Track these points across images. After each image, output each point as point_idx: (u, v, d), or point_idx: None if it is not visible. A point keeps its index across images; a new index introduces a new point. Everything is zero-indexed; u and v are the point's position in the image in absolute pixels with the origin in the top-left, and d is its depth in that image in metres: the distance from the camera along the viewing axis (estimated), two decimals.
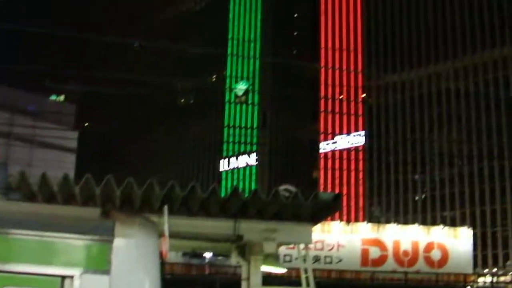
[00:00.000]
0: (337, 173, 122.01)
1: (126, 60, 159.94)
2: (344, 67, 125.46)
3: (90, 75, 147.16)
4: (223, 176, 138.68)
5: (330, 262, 61.21)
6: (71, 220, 7.15)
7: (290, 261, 47.44)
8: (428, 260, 62.26)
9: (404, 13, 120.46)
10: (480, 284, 69.94)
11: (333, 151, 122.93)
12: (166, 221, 7.80)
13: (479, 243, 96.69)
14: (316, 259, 58.15)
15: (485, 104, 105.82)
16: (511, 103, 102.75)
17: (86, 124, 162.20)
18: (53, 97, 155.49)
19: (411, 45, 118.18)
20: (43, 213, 8.37)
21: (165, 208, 8.50)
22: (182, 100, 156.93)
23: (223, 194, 13.36)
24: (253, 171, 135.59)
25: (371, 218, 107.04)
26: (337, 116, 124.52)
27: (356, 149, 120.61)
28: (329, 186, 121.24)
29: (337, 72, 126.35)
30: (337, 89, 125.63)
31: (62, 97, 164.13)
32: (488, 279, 74.80)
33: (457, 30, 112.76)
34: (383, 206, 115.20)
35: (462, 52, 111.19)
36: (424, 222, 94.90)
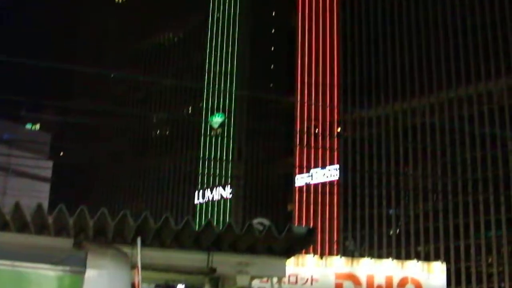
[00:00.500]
0: (312, 207, 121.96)
1: (101, 90, 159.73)
2: (320, 101, 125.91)
3: (66, 105, 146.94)
4: (198, 208, 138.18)
5: None
6: (43, 250, 7.13)
7: None
8: None
9: (381, 48, 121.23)
10: None
11: (308, 185, 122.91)
12: (139, 253, 7.81)
13: (453, 278, 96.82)
14: None
15: (460, 139, 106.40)
16: (485, 138, 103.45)
17: (61, 153, 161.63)
18: (28, 126, 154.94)
19: (387, 80, 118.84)
20: (16, 243, 8.34)
21: (138, 239, 8.50)
22: (158, 132, 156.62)
23: (197, 227, 13.36)
24: (228, 204, 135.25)
25: (346, 252, 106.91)
26: (312, 150, 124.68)
27: (331, 182, 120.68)
28: (304, 219, 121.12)
29: (313, 105, 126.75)
30: (313, 123, 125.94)
31: (37, 126, 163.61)
32: None
33: (433, 65, 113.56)
34: (357, 240, 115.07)
35: (438, 87, 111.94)
36: (398, 257, 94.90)
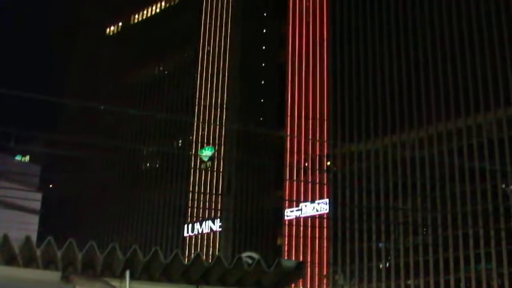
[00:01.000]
0: (301, 240, 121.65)
1: (92, 122, 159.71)
2: (310, 135, 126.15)
3: (56, 137, 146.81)
4: (187, 241, 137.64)
5: None
6: (31, 283, 7.12)
7: None
8: None
9: (370, 83, 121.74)
10: None
11: (297, 218, 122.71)
12: (127, 286, 7.80)
13: None
14: None
15: (450, 173, 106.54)
16: (474, 172, 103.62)
17: (51, 185, 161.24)
18: (18, 157, 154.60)
19: (377, 114, 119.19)
20: (3, 275, 8.31)
21: (127, 273, 8.49)
22: (148, 164, 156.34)
23: (186, 260, 13.33)
24: (217, 237, 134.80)
25: (335, 286, 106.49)
26: (302, 184, 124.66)
27: (321, 216, 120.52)
28: (294, 253, 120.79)
29: (302, 139, 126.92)
30: (303, 157, 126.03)
31: (27, 158, 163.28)
32: None
33: (422, 99, 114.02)
34: (347, 274, 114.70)
35: (427, 121, 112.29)
36: None
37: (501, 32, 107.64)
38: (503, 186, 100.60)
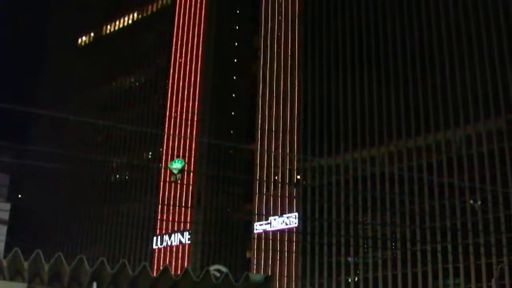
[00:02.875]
0: (270, 254, 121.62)
1: (62, 133, 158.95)
2: (280, 149, 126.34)
3: (26, 147, 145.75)
4: (156, 254, 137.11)
5: None
6: None
7: None
8: None
9: (341, 98, 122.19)
10: None
11: (266, 232, 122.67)
12: None
13: None
14: None
15: (419, 188, 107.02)
16: (443, 187, 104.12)
17: (19, 196, 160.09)
18: None
19: (347, 129, 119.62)
20: None
21: (94, 285, 8.44)
22: (117, 176, 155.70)
23: (154, 273, 13.27)
24: (186, 250, 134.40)
25: None
26: (271, 197, 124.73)
27: (290, 230, 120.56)
28: (263, 266, 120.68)
29: (272, 153, 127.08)
30: (272, 170, 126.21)
31: None
32: None
33: (392, 114, 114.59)
34: None
35: (397, 136, 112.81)
36: None
37: (470, 48, 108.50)
38: (471, 201, 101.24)
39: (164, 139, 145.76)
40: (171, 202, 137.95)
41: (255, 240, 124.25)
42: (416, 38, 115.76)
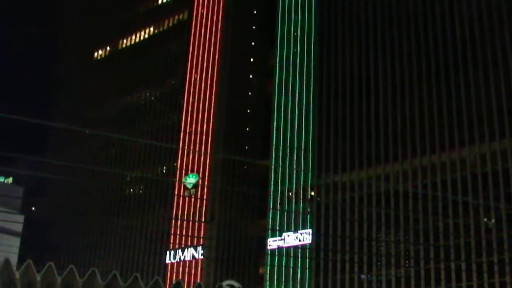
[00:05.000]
0: (283, 270, 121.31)
1: (77, 146, 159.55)
2: (294, 165, 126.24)
3: (40, 160, 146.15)
4: (169, 268, 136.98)
5: None
6: None
7: None
8: None
9: (355, 114, 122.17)
10: None
11: (280, 248, 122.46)
12: None
13: None
14: None
15: (433, 206, 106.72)
16: (457, 205, 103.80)
17: (33, 208, 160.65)
18: (1, 179, 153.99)
19: (361, 146, 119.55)
20: None
21: None
22: (131, 190, 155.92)
23: (167, 287, 13.21)
24: (199, 265, 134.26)
25: None
26: (285, 213, 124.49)
27: (304, 246, 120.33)
28: (276, 283, 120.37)
29: (287, 169, 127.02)
30: (287, 187, 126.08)
31: (10, 180, 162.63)
32: None
33: (407, 132, 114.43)
34: None
35: (412, 154, 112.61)
36: None
37: (486, 67, 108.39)
38: (486, 220, 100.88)
39: (178, 153, 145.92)
40: (185, 216, 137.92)
41: (269, 256, 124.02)
42: (432, 56, 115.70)
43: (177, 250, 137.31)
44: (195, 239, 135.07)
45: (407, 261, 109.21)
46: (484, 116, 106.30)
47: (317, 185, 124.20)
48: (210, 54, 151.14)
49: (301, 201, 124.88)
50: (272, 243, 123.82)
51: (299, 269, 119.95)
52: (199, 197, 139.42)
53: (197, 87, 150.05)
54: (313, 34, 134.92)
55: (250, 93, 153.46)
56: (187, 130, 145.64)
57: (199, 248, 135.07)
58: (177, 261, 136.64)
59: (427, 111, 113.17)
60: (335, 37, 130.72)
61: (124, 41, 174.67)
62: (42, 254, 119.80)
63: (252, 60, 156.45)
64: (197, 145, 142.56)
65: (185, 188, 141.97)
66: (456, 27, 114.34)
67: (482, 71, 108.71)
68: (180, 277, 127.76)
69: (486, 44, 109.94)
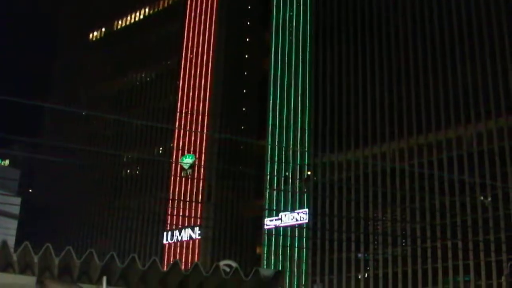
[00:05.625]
0: (280, 250, 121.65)
1: (73, 128, 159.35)
2: (291, 144, 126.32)
3: (37, 141, 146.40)
4: (166, 249, 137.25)
5: None
6: (7, 287, 7.05)
7: None
8: None
9: (352, 93, 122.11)
10: None
11: (277, 228, 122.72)
12: None
13: None
14: None
15: (429, 184, 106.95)
16: (454, 184, 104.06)
17: (30, 190, 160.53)
18: None
19: (357, 125, 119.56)
20: None
21: (104, 279, 8.43)
22: (128, 171, 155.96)
23: (165, 267, 13.26)
24: (196, 245, 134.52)
25: None
26: (282, 193, 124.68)
27: (300, 226, 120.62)
28: (273, 262, 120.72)
29: (283, 149, 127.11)
30: (283, 166, 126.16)
31: (7, 162, 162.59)
32: None
33: (403, 111, 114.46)
34: (325, 284, 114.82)
35: (408, 133, 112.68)
36: None
37: (482, 44, 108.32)
38: (482, 198, 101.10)
39: (175, 134, 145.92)
40: (182, 197, 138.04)
41: (265, 236, 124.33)
42: (428, 36, 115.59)
43: (174, 231, 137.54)
44: (192, 219, 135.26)
45: (403, 240, 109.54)
46: (480, 94, 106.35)
47: (314, 164, 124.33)
48: (205, 34, 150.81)
49: (298, 180, 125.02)
50: (269, 222, 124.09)
51: (296, 249, 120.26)
52: (195, 177, 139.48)
53: (193, 68, 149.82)
54: (308, 12, 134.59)
55: (246, 73, 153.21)
56: (183, 111, 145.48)
57: (196, 228, 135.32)
58: (174, 242, 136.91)
59: (423, 90, 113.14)
60: (330, 15, 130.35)
61: (120, 22, 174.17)
62: (39, 236, 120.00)
63: (247, 39, 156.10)
64: (193, 126, 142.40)
65: (182, 168, 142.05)
66: (453, 8, 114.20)
67: (479, 50, 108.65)
68: (178, 257, 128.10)
69: (483, 25, 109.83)
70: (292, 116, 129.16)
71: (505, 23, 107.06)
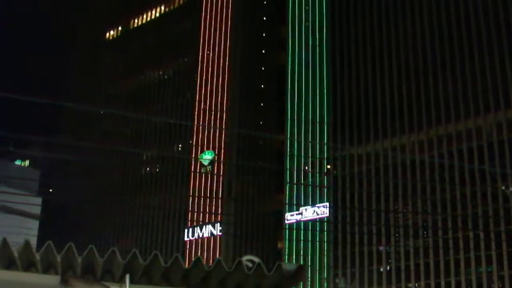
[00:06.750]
0: (302, 244, 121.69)
1: (91, 127, 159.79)
2: (310, 138, 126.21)
3: (56, 142, 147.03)
4: (188, 246, 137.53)
5: None
6: (31, 287, 7.05)
7: None
8: None
9: (370, 86, 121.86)
10: None
11: (298, 222, 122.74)
12: None
13: None
14: None
15: (450, 175, 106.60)
16: (474, 175, 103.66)
17: (50, 190, 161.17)
18: (18, 162, 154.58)
19: (377, 117, 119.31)
20: (2, 280, 8.25)
21: (127, 277, 8.42)
22: (147, 169, 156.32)
23: (186, 264, 13.25)
24: (218, 241, 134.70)
25: None
26: (302, 187, 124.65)
27: (321, 220, 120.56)
28: (294, 256, 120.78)
29: (302, 143, 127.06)
30: (303, 160, 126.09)
31: (27, 163, 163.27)
32: None
33: (422, 103, 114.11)
34: (347, 278, 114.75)
35: (427, 124, 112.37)
36: None
37: (500, 35, 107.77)
38: (503, 188, 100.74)
39: (193, 131, 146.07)
40: (202, 194, 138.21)
41: (287, 231, 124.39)
42: (445, 27, 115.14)
43: (195, 227, 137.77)
44: (213, 215, 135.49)
45: (425, 232, 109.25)
46: (499, 83, 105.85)
47: (334, 158, 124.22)
48: (222, 30, 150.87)
49: (318, 174, 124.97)
50: (290, 217, 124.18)
51: (317, 243, 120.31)
52: (215, 173, 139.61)
53: (210, 64, 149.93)
54: (324, 6, 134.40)
55: (263, 68, 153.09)
56: (202, 107, 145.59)
57: (217, 224, 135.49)
58: (195, 238, 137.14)
59: (441, 81, 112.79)
60: (347, 9, 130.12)
61: (136, 20, 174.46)
62: (61, 235, 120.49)
63: (264, 34, 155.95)
64: (212, 122, 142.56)
65: (202, 165, 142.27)
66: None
67: (496, 41, 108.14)
68: (199, 254, 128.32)
69: (500, 17, 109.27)
70: (310, 109, 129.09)
71: None
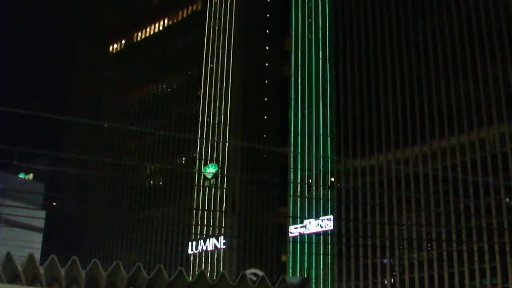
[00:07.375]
0: (306, 257, 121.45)
1: (95, 141, 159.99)
2: (313, 151, 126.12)
3: (60, 155, 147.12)
4: (191, 259, 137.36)
5: None
6: None
7: None
8: None
9: (373, 99, 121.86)
10: None
11: (302, 235, 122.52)
12: None
13: None
14: None
15: (453, 188, 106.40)
16: (478, 187, 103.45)
17: (54, 203, 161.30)
18: (21, 176, 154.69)
19: (380, 130, 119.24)
20: None
21: None
22: (151, 182, 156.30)
23: (190, 278, 13.27)
24: (222, 254, 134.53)
25: None
26: (305, 200, 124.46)
27: (325, 233, 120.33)
28: (298, 270, 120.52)
29: (306, 156, 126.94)
30: (306, 173, 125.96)
31: (31, 176, 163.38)
32: None
33: (425, 115, 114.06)
34: None
35: (430, 136, 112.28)
36: None
37: (503, 47, 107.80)
38: (507, 200, 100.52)
39: (197, 144, 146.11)
40: (206, 207, 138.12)
41: (290, 244, 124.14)
42: (448, 39, 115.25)
43: (199, 241, 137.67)
44: (217, 229, 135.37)
45: (429, 244, 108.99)
46: (502, 96, 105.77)
47: (337, 170, 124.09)
48: (225, 43, 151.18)
49: (321, 187, 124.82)
50: (294, 230, 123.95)
51: (321, 256, 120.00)
52: (219, 187, 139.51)
53: (214, 77, 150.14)
54: (327, 19, 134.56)
55: (266, 81, 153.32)
56: (205, 121, 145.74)
57: (221, 237, 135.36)
58: (199, 251, 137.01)
59: (444, 93, 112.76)
60: (349, 22, 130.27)
61: (139, 33, 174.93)
62: (64, 249, 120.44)
63: (267, 47, 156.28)
64: (216, 135, 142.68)
65: (205, 178, 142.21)
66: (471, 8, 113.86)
67: (499, 51, 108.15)
68: (203, 267, 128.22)
69: (502, 27, 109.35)
70: (314, 122, 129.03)
71: None
